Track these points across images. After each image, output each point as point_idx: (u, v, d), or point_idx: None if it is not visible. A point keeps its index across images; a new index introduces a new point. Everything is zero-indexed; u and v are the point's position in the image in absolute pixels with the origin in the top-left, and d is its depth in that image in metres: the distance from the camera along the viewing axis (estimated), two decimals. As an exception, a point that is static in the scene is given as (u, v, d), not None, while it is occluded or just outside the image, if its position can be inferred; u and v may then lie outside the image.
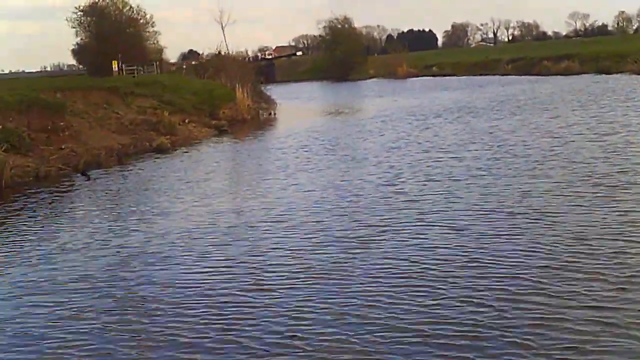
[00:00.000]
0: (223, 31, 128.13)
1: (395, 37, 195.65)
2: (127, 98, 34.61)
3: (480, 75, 76.07)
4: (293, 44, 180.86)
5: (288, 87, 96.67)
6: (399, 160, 21.27)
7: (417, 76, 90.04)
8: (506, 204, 14.09)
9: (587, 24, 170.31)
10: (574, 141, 22.16)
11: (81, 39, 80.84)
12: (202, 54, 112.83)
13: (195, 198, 17.64)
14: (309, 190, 17.51)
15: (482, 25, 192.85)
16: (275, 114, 45.56)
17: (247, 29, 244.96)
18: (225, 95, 40.94)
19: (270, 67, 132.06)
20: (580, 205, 13.36)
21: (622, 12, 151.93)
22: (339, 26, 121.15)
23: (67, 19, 75.88)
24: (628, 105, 31.50)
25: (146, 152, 28.61)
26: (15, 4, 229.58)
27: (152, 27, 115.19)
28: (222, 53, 63.58)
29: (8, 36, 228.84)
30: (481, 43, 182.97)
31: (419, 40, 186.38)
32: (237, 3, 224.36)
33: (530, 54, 78.30)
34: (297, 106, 54.92)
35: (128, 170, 23.98)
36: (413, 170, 19.21)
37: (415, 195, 15.75)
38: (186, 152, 28.39)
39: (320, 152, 25.01)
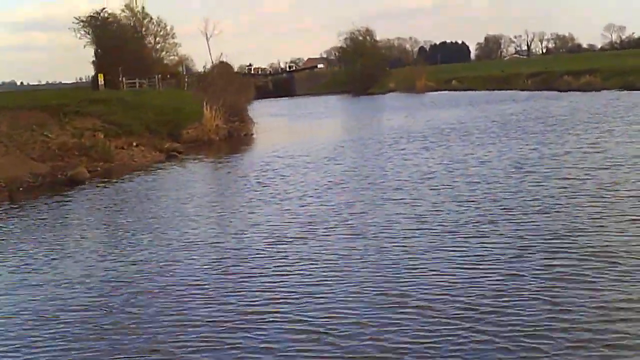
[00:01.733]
0: (208, 43, 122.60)
1: (427, 50, 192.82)
2: (64, 118, 30.50)
3: (500, 89, 71.24)
4: (325, 55, 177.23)
5: (299, 101, 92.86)
6: (317, 207, 16.92)
7: (437, 90, 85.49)
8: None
9: (624, 36, 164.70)
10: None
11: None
12: (205, 66, 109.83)
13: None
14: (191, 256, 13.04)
15: (515, 37, 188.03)
16: (252, 134, 40.98)
17: (278, 40, 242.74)
18: (193, 113, 36.70)
19: (290, 80, 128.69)
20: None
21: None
22: (360, 38, 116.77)
23: (72, 29, 72.18)
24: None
25: (58, 183, 24.41)
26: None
27: (173, 38, 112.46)
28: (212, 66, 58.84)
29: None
30: (514, 55, 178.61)
31: (452, 52, 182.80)
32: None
33: (559, 67, 73.17)
34: (283, 125, 50.49)
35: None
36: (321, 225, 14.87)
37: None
38: (104, 185, 23.90)
39: (257, 186, 20.87)
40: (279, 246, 13.08)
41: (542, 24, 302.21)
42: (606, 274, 9.96)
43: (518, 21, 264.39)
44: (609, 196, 15.23)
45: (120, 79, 65.24)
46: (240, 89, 56.53)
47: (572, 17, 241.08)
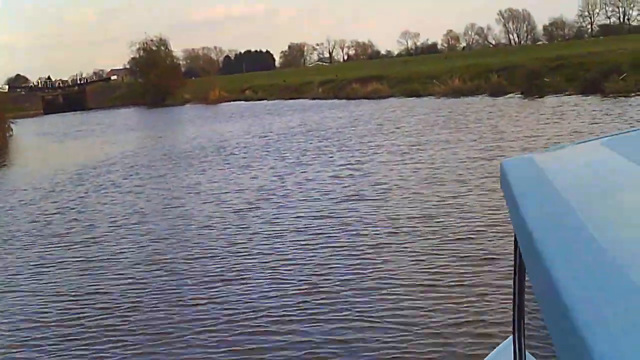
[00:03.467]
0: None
1: (232, 58, 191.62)
2: None
3: (291, 99, 68.51)
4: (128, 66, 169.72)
5: (82, 117, 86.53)
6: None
7: (230, 100, 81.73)
8: None
9: (418, 43, 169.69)
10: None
11: None
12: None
13: None
14: None
15: (318, 45, 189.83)
16: None
17: (84, 52, 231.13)
18: None
19: (82, 94, 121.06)
20: None
21: (450, 30, 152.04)
22: (154, 48, 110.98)
23: None
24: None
25: None
26: None
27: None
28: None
29: None
30: (317, 62, 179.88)
31: (257, 61, 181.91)
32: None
33: (352, 74, 71.26)
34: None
35: None
36: None
37: None
38: None
39: None
40: None
41: (343, 32, 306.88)
42: None
43: (323, 29, 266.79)
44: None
45: None
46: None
47: (370, 24, 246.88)
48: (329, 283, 10.24)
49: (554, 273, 1.31)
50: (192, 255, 12.71)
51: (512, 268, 2.67)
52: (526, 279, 2.38)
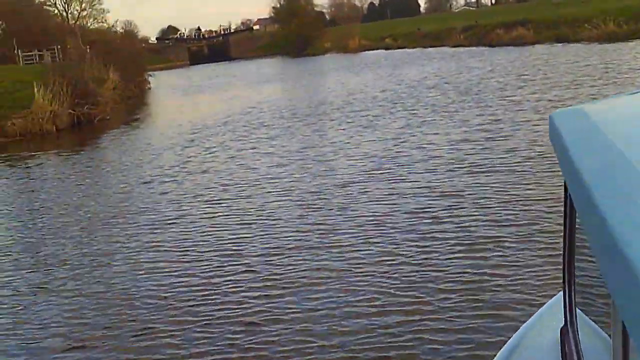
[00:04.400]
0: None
1: (377, 5, 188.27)
2: None
3: (432, 46, 65.81)
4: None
5: (229, 66, 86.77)
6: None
7: (370, 49, 79.85)
8: None
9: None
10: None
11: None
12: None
13: None
14: None
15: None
16: (108, 118, 33.64)
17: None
18: (26, 97, 29.82)
19: (226, 44, 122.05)
20: None
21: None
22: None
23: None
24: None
25: None
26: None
27: (100, 4, 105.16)
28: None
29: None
30: (464, 7, 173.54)
31: (402, 7, 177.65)
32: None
33: (497, 19, 67.42)
34: (182, 101, 43.98)
35: None
36: None
37: None
38: None
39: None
40: None
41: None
42: None
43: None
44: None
45: (15, 51, 58.41)
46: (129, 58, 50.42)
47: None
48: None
49: (610, 222, 1.28)
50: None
51: (563, 223, 2.60)
52: (576, 234, 2.44)
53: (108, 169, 20.16)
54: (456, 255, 9.16)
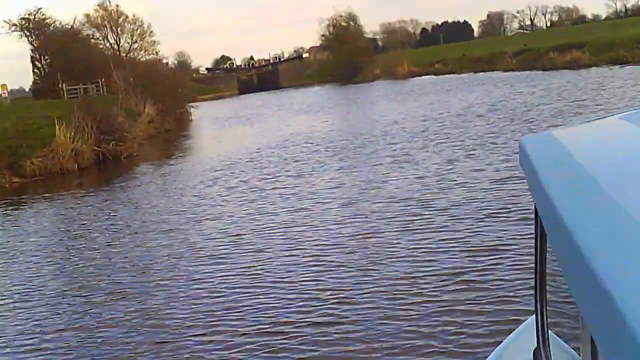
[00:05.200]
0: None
1: (430, 30, 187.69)
2: None
3: (482, 71, 63.62)
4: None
5: (279, 95, 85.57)
6: None
7: (419, 75, 77.99)
8: None
9: (629, 4, 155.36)
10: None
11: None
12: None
13: None
14: None
15: (518, 12, 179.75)
16: (135, 154, 31.85)
17: (281, 31, 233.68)
18: (48, 134, 28.17)
19: (275, 73, 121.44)
20: None
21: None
22: (344, 24, 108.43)
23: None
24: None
25: None
26: None
27: (151, 36, 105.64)
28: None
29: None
30: (518, 31, 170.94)
31: (455, 32, 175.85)
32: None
33: (550, 42, 64.88)
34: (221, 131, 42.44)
35: None
36: None
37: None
38: None
39: None
40: None
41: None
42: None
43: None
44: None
45: (60, 85, 57.90)
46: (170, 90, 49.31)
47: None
48: None
49: (579, 243, 1.30)
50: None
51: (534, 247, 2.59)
52: (547, 256, 2.48)
53: (118, 213, 18.55)
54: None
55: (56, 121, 27.66)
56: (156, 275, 11.76)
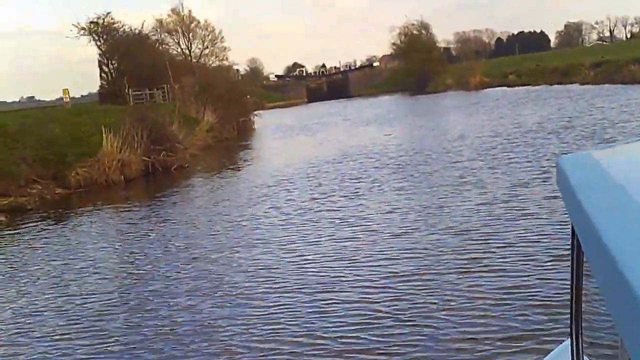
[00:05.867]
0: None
1: (504, 40, 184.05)
2: None
3: (558, 83, 60.89)
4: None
5: (349, 104, 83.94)
6: None
7: (491, 86, 75.51)
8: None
9: None
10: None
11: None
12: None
13: None
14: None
15: (597, 23, 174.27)
16: (186, 166, 30.07)
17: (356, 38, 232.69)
18: (98, 142, 26.77)
19: (345, 81, 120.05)
20: None
21: None
22: (415, 32, 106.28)
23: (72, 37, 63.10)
24: None
25: None
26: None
27: (222, 42, 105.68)
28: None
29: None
30: (597, 42, 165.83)
31: (531, 42, 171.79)
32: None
33: (629, 54, 61.85)
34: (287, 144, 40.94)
35: None
36: None
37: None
38: None
39: None
40: None
41: (626, 7, 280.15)
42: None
43: (603, 5, 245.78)
44: None
45: (126, 90, 57.48)
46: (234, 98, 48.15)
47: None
48: None
49: (618, 264, 1.27)
50: None
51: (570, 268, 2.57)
52: (584, 280, 2.44)
53: (154, 232, 17.19)
54: None
55: (104, 129, 26.39)
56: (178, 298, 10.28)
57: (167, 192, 23.79)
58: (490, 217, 13.90)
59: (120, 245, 16.14)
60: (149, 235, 16.74)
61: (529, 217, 13.47)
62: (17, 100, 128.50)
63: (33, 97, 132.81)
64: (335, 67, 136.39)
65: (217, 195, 22.11)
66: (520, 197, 15.46)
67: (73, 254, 15.53)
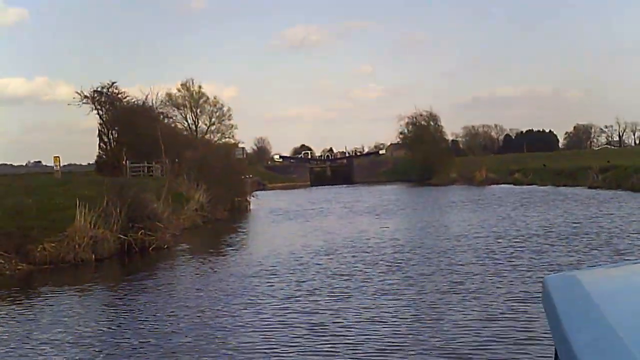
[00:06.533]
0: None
1: (513, 137, 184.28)
2: None
3: (565, 185, 59.48)
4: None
5: (345, 191, 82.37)
6: None
7: (497, 183, 74.23)
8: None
9: None
10: None
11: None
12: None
13: None
14: None
15: (606, 127, 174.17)
16: (166, 247, 27.74)
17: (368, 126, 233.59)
18: (70, 216, 24.68)
19: (348, 167, 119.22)
20: None
21: None
22: (423, 123, 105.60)
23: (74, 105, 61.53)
24: None
25: None
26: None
27: (229, 119, 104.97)
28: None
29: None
30: (605, 146, 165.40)
31: (539, 141, 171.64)
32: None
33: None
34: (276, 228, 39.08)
35: None
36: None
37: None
38: None
39: None
40: None
41: (635, 113, 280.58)
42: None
43: (612, 110, 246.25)
44: None
45: (124, 162, 56.04)
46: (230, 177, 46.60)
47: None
48: None
49: None
50: None
51: None
52: None
53: (113, 323, 15.20)
54: None
55: (78, 202, 24.44)
56: None
57: (138, 276, 21.76)
58: (491, 339, 12.00)
59: (78, 333, 14.15)
60: (110, 328, 14.79)
61: (534, 343, 11.56)
62: (23, 164, 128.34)
63: (40, 162, 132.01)
64: (341, 152, 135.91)
65: (190, 284, 20.14)
66: (524, 316, 13.54)
67: (23, 342, 13.56)
